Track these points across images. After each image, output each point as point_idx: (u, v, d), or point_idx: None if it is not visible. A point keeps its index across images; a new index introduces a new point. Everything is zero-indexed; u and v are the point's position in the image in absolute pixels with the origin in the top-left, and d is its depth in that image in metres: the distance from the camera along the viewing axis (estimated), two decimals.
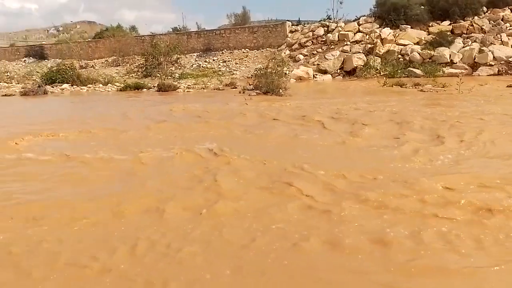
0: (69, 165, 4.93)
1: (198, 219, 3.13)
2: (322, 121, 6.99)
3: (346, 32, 18.97)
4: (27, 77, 20.50)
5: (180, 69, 20.56)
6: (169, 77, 18.38)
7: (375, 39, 17.77)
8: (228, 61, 20.83)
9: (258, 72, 13.22)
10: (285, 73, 15.13)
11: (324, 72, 17.53)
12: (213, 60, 21.33)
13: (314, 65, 18.15)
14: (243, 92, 12.74)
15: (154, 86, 15.67)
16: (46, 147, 5.90)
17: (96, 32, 31.39)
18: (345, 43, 18.61)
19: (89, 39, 28.13)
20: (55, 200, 3.74)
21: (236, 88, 14.46)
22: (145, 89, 15.69)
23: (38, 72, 21.62)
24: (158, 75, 18.83)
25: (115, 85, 17.17)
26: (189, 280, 2.34)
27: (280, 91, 11.92)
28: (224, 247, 2.69)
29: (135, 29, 31.72)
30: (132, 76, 19.89)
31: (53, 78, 17.44)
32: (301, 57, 18.99)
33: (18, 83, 19.03)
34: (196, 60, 21.68)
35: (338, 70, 17.55)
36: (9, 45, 32.08)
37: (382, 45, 17.57)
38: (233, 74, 18.93)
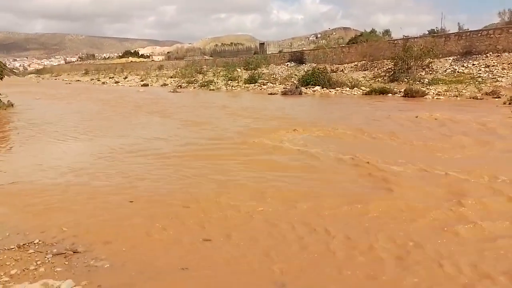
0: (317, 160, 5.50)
1: None
2: None
3: None
4: (287, 79, 23.84)
5: (431, 74, 19.11)
6: (417, 82, 17.42)
7: None
8: (493, 66, 17.80)
9: None
10: None
11: None
12: (473, 64, 18.72)
13: None
14: (510, 103, 10.69)
15: (400, 91, 15.23)
16: (300, 142, 6.78)
17: (351, 38, 33.13)
18: None
19: (342, 45, 29.98)
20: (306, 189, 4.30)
21: (499, 98, 12.27)
22: (390, 94, 15.47)
23: (296, 75, 24.79)
24: (406, 79, 18.12)
25: (361, 89, 17.69)
26: None
27: None
28: None
29: (389, 33, 31.59)
30: (378, 81, 19.93)
31: (307, 81, 19.62)
32: None
33: (280, 84, 22.41)
34: (451, 65, 19.59)
35: None
36: (277, 51, 38.11)
37: None
38: (497, 81, 16.08)
